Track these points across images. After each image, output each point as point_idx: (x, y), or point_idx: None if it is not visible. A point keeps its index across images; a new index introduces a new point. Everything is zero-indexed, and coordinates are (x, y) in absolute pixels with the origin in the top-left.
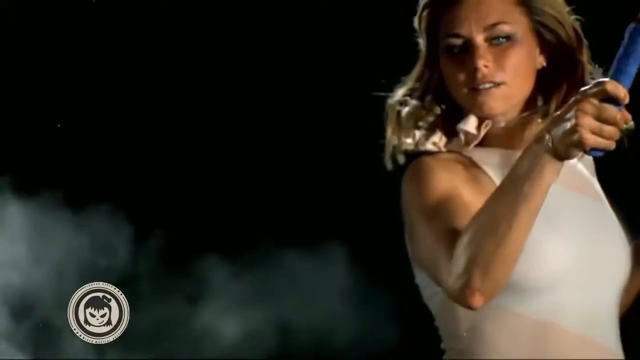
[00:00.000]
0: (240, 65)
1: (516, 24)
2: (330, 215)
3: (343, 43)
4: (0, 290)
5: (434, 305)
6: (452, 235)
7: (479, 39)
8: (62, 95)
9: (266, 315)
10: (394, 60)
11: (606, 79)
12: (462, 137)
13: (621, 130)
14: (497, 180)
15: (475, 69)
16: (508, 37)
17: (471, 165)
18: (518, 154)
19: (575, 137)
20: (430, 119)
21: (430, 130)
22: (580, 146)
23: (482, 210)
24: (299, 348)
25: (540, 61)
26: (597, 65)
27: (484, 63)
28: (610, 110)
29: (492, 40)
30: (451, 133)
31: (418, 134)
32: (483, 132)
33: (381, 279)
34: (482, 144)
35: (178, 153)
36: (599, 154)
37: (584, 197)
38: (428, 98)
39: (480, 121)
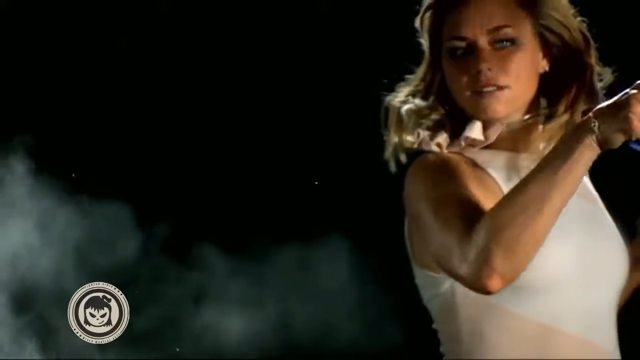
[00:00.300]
0: (244, 60)
1: (520, 27)
2: (332, 213)
3: (345, 38)
4: (3, 283)
5: (434, 307)
6: (464, 219)
7: (483, 42)
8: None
9: (267, 313)
10: (394, 57)
11: None
12: (462, 140)
13: None
14: (501, 182)
15: (478, 72)
16: (512, 41)
17: (475, 167)
18: (522, 156)
19: (626, 124)
20: (433, 119)
21: (433, 131)
22: (629, 134)
23: (513, 191)
24: (301, 346)
25: (543, 65)
26: (606, 66)
27: (488, 66)
28: None
29: (495, 43)
30: (454, 134)
31: (422, 134)
32: (494, 137)
33: (384, 277)
34: (485, 146)
35: (179, 151)
36: (639, 147)
37: (582, 199)
38: (431, 99)
39: (485, 126)
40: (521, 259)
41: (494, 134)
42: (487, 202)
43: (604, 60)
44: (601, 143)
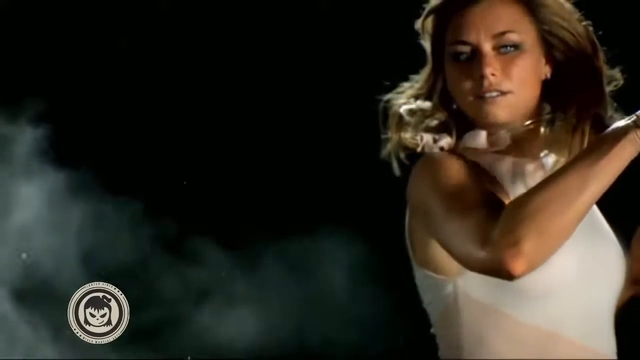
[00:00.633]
0: (243, 59)
1: (524, 33)
2: (332, 213)
3: (345, 38)
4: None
5: (434, 310)
6: (483, 205)
7: (487, 47)
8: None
9: (268, 313)
10: (394, 57)
11: None
12: (464, 143)
13: None
14: (505, 186)
15: (482, 77)
16: (516, 46)
17: (478, 169)
18: (525, 161)
19: None
20: (435, 120)
21: (434, 133)
22: None
23: (550, 177)
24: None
25: (545, 72)
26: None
27: (492, 71)
28: None
29: (499, 48)
30: (456, 136)
31: (424, 137)
32: (501, 145)
33: (384, 277)
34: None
35: (181, 151)
36: None
37: None
38: (434, 101)
39: (489, 132)
40: (550, 245)
41: (501, 142)
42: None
43: (613, 63)
44: None
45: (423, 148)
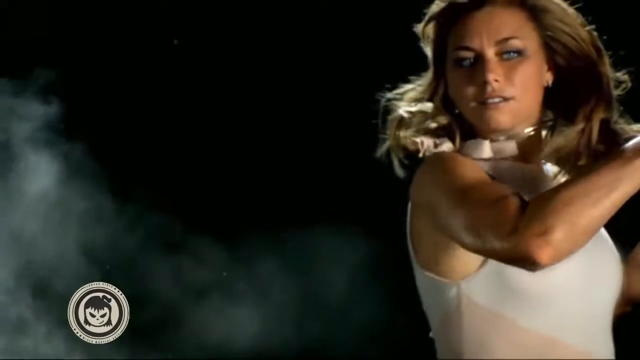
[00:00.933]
0: (243, 59)
1: (527, 39)
2: (332, 214)
3: (345, 38)
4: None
5: (435, 314)
6: (502, 195)
7: (490, 53)
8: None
9: (268, 313)
10: (394, 57)
11: None
12: (467, 154)
13: None
14: None
15: (485, 83)
16: (519, 52)
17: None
18: (529, 167)
19: None
20: (435, 123)
21: (435, 136)
22: None
23: (584, 173)
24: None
25: (547, 78)
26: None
27: (495, 77)
28: None
29: (503, 54)
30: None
31: (425, 142)
32: (507, 154)
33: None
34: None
35: (182, 151)
36: None
37: None
38: (436, 105)
39: (492, 139)
40: (577, 238)
41: (507, 151)
42: None
43: (620, 66)
44: None
45: (424, 152)
